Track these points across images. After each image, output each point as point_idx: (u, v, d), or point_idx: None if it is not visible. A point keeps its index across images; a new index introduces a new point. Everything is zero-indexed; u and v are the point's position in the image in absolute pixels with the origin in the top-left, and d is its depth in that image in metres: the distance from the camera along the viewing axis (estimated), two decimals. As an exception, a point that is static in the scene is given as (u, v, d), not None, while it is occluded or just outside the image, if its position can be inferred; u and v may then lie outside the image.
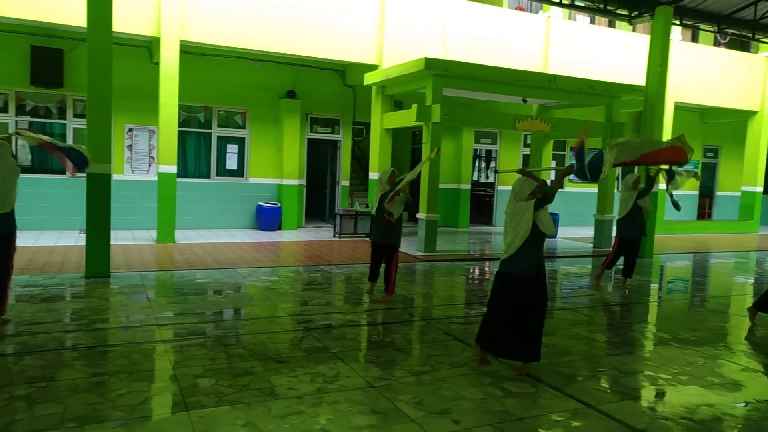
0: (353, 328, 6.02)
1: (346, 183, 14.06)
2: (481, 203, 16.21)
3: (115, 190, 10.51)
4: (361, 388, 4.33)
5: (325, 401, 4.04)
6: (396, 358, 5.14)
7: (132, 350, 4.98)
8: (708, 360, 5.36)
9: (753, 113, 17.55)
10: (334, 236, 12.63)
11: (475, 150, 16.02)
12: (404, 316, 6.63)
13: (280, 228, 13.26)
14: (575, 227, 15.80)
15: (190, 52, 11.72)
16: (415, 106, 10.45)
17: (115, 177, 11.74)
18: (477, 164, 16.93)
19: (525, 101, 12.34)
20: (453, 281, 8.86)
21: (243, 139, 13.34)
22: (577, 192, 16.71)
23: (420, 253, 10.57)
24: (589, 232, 13.26)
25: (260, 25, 11.34)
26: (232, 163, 13.33)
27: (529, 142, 14.98)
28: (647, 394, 4.59)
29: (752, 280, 10.36)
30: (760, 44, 16.99)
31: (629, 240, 8.62)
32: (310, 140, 13.95)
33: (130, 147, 12.23)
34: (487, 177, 16.78)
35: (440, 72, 10.34)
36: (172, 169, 10.88)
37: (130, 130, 12.20)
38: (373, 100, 12.54)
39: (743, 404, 4.42)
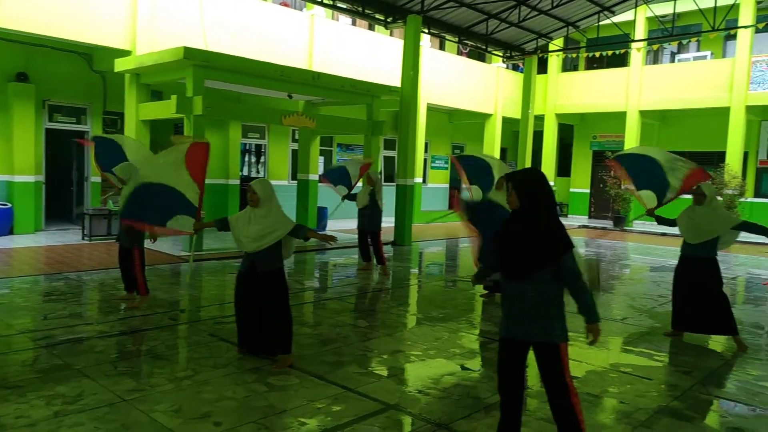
0: (104, 340, 5.43)
1: (97, 179, 12.62)
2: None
3: None
4: (110, 404, 3.92)
5: (65, 425, 3.57)
6: (153, 366, 4.76)
7: None
8: (452, 334, 6.01)
9: (488, 116, 20.22)
10: (83, 239, 11.29)
11: (244, 144, 15.71)
12: (165, 320, 6.19)
13: (11, 232, 11.39)
14: (342, 220, 16.44)
15: None
16: (174, 97, 9.82)
17: None
18: (246, 159, 16.64)
19: (291, 97, 12.44)
20: (221, 280, 8.56)
21: (-41, 128, 11.14)
22: (345, 186, 17.44)
23: (185, 253, 10.00)
24: (355, 223, 13.92)
25: (-22, -6, 9.55)
26: (-59, 156, 11.04)
27: (297, 137, 15.18)
28: (401, 371, 4.96)
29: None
30: (493, 56, 19.62)
31: (368, 231, 9.38)
32: (49, 131, 12.22)
33: None
34: (258, 172, 16.59)
35: (201, 63, 9.87)
36: None
37: None
38: (126, 89, 11.45)
39: (478, 369, 5.04)
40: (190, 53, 9.62)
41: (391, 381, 4.66)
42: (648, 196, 6.40)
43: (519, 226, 3.14)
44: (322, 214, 14.38)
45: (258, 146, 16.32)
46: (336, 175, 9.83)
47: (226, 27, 12.62)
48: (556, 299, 3.12)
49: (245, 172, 16.28)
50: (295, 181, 14.84)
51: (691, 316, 5.87)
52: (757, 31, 17.06)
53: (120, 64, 11.06)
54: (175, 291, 7.69)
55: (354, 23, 17.06)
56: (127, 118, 11.58)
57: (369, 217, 9.34)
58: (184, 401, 4.03)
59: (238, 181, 14.23)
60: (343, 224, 15.38)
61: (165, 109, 10.51)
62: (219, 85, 11.19)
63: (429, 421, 3.89)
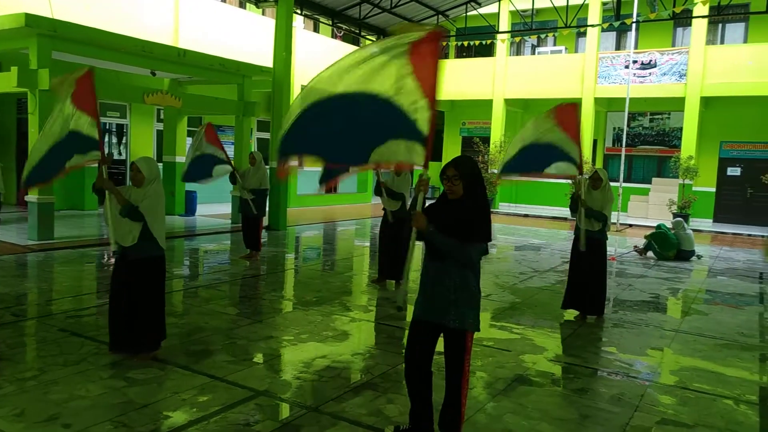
0: (-71, 342, 4.78)
1: None
2: (114, 182, 14.81)
3: None
4: (-65, 414, 3.45)
5: None
6: (-10, 368, 4.27)
7: None
8: (325, 317, 6.00)
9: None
10: None
11: (103, 123, 14.50)
12: (6, 317, 5.57)
13: None
14: (213, 204, 15.82)
15: None
16: (15, 69, 8.79)
17: None
18: (108, 139, 15.39)
19: (154, 74, 11.67)
20: (75, 271, 7.88)
21: None
22: (216, 170, 16.77)
23: (32, 242, 9.07)
24: (227, 208, 13.47)
25: None
26: None
27: (162, 117, 14.30)
28: (271, 357, 4.87)
29: (368, 243, 12.07)
30: (367, 41, 19.75)
31: (251, 216, 8.99)
32: None
33: None
34: (120, 153, 15.43)
35: (47, 32, 8.90)
36: None
37: None
38: (-45, 58, 10.09)
39: (350, 351, 5.08)
40: (33, 20, 8.65)
41: (261, 367, 4.56)
42: (561, 168, 5.86)
43: (462, 214, 3.10)
44: (191, 199, 13.71)
45: (119, 126, 15.17)
46: (199, 170, 8.47)
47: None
48: (475, 288, 3.21)
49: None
50: (161, 164, 13.99)
51: (578, 294, 6.20)
52: (603, 30, 18.70)
53: (-54, 29, 9.67)
54: (18, 284, 6.94)
55: (223, 0, 16.33)
56: (-43, 91, 10.20)
57: (254, 200, 8.80)
58: (27, 404, 3.65)
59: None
60: (214, 209, 14.81)
61: (4, 82, 9.36)
62: (70, 58, 10.19)
63: (299, 405, 3.86)
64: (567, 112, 5.82)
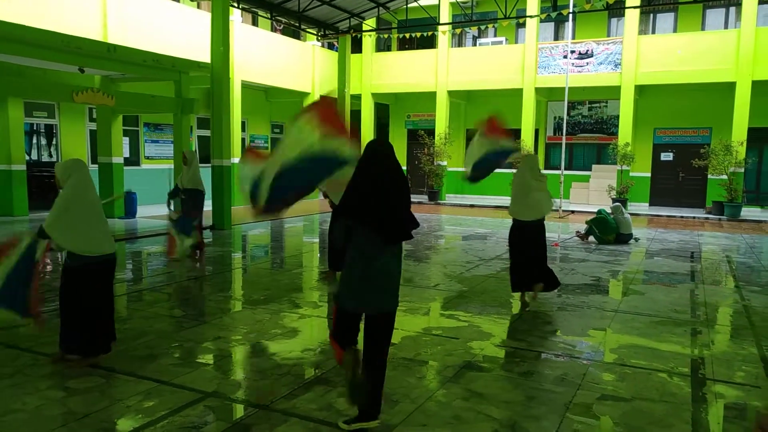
0: None
1: None
2: (45, 186, 14.16)
3: None
4: None
5: None
6: None
7: None
8: (273, 315, 5.93)
9: (306, 94, 20.17)
10: None
11: (31, 124, 13.85)
12: (-68, 331, 5.25)
13: None
14: (154, 205, 15.35)
15: None
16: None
17: None
18: (36, 141, 14.70)
19: (82, 71, 11.17)
20: (7, 279, 7.48)
21: None
22: (154, 169, 16.29)
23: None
24: (164, 210, 13.09)
25: None
26: None
27: (96, 116, 13.74)
28: (220, 358, 4.78)
29: (316, 239, 11.98)
30: (307, 34, 19.53)
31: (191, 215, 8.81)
32: None
33: None
34: (51, 155, 14.76)
35: (-35, 27, 8.42)
36: None
37: None
38: None
39: (299, 347, 5.04)
40: (-51, 16, 8.14)
41: (209, 369, 4.47)
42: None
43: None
44: (130, 200, 13.26)
45: (48, 126, 14.50)
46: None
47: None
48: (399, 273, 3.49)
49: (34, 156, 14.39)
50: (96, 165, 13.47)
51: (526, 274, 6.36)
52: (542, 21, 19.15)
53: None
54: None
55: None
56: None
57: (191, 200, 8.63)
58: (-42, 422, 3.47)
59: (23, 167, 12.54)
60: (155, 210, 14.38)
61: None
62: (-7, 56, 9.68)
63: (249, 404, 3.81)
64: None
